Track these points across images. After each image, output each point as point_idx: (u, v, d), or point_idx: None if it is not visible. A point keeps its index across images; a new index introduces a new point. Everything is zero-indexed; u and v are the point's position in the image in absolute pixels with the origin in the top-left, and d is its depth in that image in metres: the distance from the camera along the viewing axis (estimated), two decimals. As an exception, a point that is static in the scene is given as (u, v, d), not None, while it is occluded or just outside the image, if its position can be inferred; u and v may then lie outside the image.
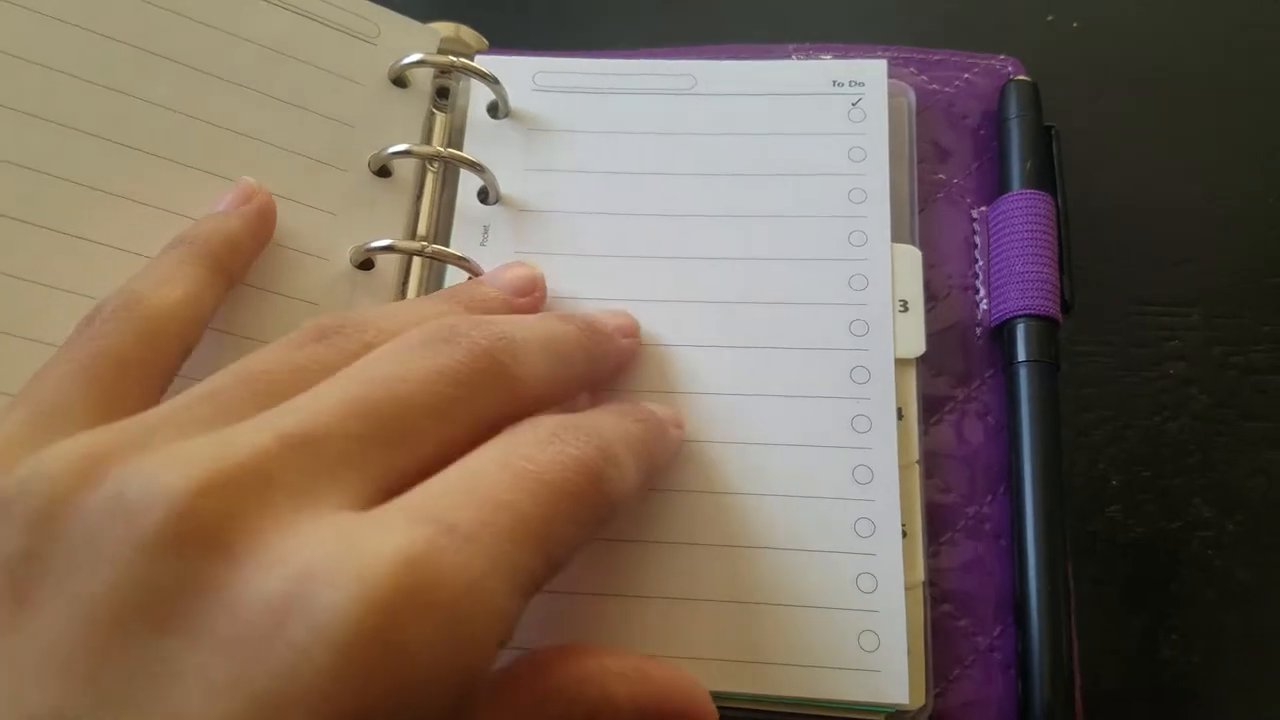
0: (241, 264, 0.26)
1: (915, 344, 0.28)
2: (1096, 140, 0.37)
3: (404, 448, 0.19)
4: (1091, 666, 0.26)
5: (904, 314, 0.28)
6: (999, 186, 0.31)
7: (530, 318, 0.25)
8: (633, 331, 0.27)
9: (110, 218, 0.25)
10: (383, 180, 0.29)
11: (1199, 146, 0.38)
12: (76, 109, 0.26)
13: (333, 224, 0.28)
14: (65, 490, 0.17)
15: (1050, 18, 0.41)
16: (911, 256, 0.29)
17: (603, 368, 0.26)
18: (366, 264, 0.28)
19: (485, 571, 0.17)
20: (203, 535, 0.16)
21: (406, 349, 0.20)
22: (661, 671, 0.21)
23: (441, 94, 0.32)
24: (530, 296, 0.27)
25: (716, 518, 0.26)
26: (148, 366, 0.21)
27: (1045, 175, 0.30)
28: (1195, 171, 0.38)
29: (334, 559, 0.16)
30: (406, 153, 0.29)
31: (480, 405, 0.20)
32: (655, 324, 0.28)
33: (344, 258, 0.28)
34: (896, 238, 0.29)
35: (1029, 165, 0.30)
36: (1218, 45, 0.40)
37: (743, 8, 0.42)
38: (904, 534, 0.26)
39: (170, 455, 0.17)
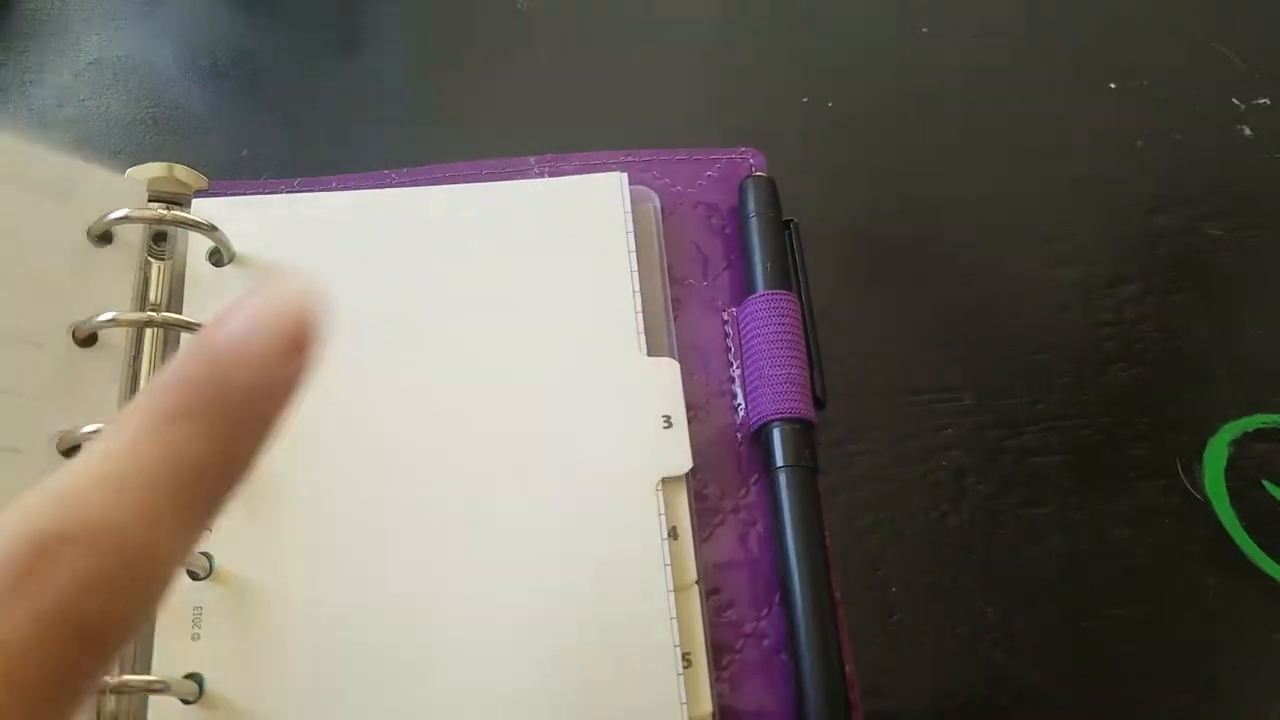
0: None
1: (682, 460, 0.27)
2: (844, 229, 0.39)
3: None
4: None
5: (668, 429, 0.28)
6: (746, 286, 0.31)
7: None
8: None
9: None
10: (89, 350, 0.27)
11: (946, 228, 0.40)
12: None
13: (24, 407, 0.25)
14: None
15: (805, 99, 0.42)
16: (669, 370, 0.29)
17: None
18: (71, 450, 0.26)
19: None
20: None
21: None
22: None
23: (158, 239, 0.30)
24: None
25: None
26: None
27: (784, 274, 0.31)
28: (950, 254, 0.39)
29: None
30: (113, 321, 0.26)
31: None
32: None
33: (43, 446, 0.25)
34: (653, 351, 0.29)
35: (768, 266, 0.31)
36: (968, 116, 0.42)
37: (491, 126, 0.41)
38: (688, 664, 0.25)
39: None
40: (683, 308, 0.31)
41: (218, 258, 0.29)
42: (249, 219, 0.30)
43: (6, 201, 0.27)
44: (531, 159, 0.33)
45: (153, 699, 0.24)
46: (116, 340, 0.27)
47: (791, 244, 0.31)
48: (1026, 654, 0.32)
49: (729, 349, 0.30)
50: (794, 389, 0.29)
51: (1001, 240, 0.39)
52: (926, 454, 0.35)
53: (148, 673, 0.24)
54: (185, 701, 0.24)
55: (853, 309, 0.37)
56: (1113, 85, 0.43)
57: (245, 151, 0.40)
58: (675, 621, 0.25)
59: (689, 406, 0.29)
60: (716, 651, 0.26)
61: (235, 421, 0.15)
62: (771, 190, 0.32)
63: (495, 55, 0.44)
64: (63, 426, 0.25)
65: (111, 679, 0.24)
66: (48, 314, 0.26)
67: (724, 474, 0.29)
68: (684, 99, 0.43)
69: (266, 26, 0.45)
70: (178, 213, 0.28)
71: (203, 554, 0.26)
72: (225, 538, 0.26)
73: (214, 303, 0.28)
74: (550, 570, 0.26)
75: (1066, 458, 0.35)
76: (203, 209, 0.30)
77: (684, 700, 0.25)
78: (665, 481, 0.27)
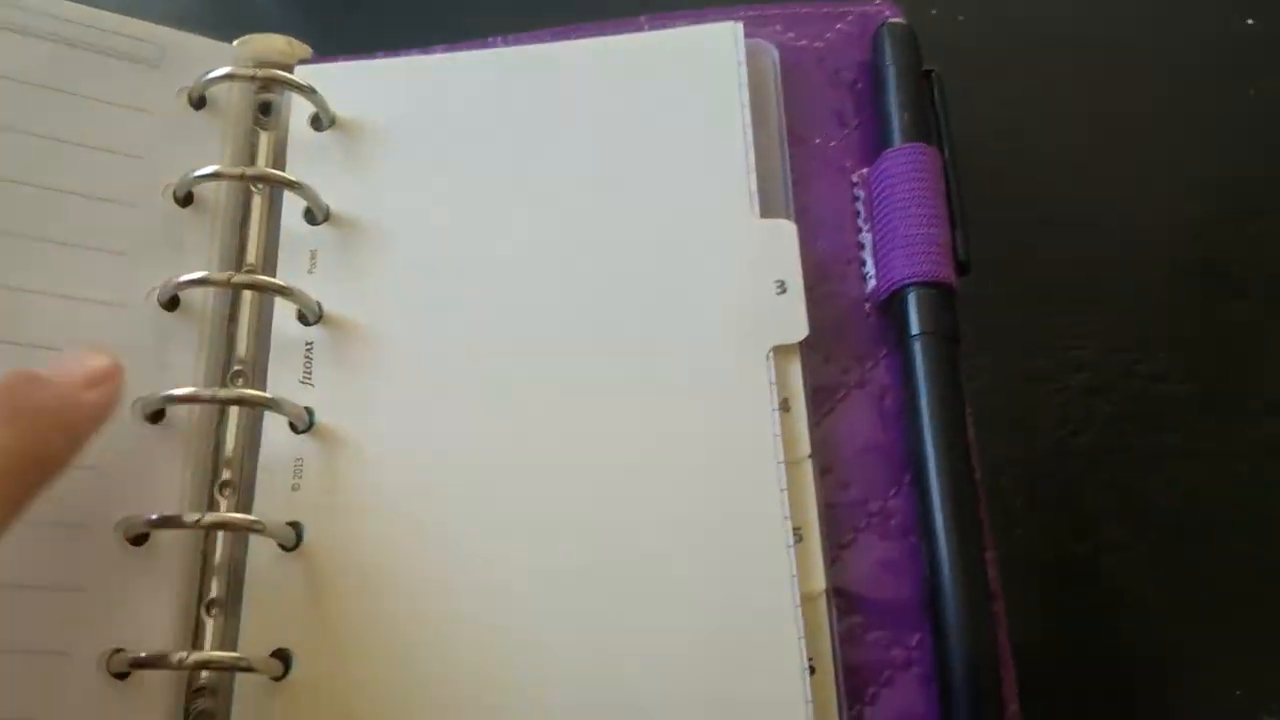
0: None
1: (796, 328, 0.25)
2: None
3: None
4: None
5: (781, 296, 0.25)
6: (879, 144, 0.28)
7: None
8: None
9: None
10: (186, 211, 0.26)
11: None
12: None
13: (124, 265, 0.25)
14: None
15: None
16: (785, 232, 0.26)
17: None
18: (172, 303, 0.25)
19: None
20: None
21: None
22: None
23: (264, 110, 0.29)
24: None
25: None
26: None
27: (925, 127, 0.27)
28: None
29: None
30: (212, 176, 0.26)
31: None
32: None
33: (142, 301, 0.25)
34: (768, 212, 0.26)
35: (906, 116, 0.27)
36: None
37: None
38: (799, 538, 0.23)
39: None
40: (806, 171, 0.28)
41: (318, 122, 0.28)
42: (348, 83, 0.28)
43: (95, 71, 0.26)
44: (641, 18, 0.30)
45: (253, 545, 0.24)
46: (217, 201, 0.27)
47: (933, 95, 0.28)
48: (1143, 578, 0.30)
49: (858, 213, 0.27)
50: (933, 249, 0.25)
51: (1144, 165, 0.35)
52: (1055, 371, 0.32)
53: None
54: (284, 548, 0.24)
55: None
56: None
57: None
58: (786, 494, 0.23)
59: (810, 276, 0.26)
60: (835, 531, 0.23)
61: (44, 427, 0.20)
62: (911, 38, 0.29)
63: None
64: (161, 281, 0.25)
65: (214, 516, 0.23)
66: (146, 175, 0.26)
67: (847, 347, 0.26)
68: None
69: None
70: (272, 71, 0.27)
71: (305, 408, 0.25)
72: (326, 394, 0.25)
73: (314, 165, 0.27)
74: (655, 442, 0.24)
75: (1196, 387, 0.32)
76: (300, 74, 0.29)
77: (794, 574, 0.22)
78: (777, 350, 0.24)
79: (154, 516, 0.23)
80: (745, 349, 0.24)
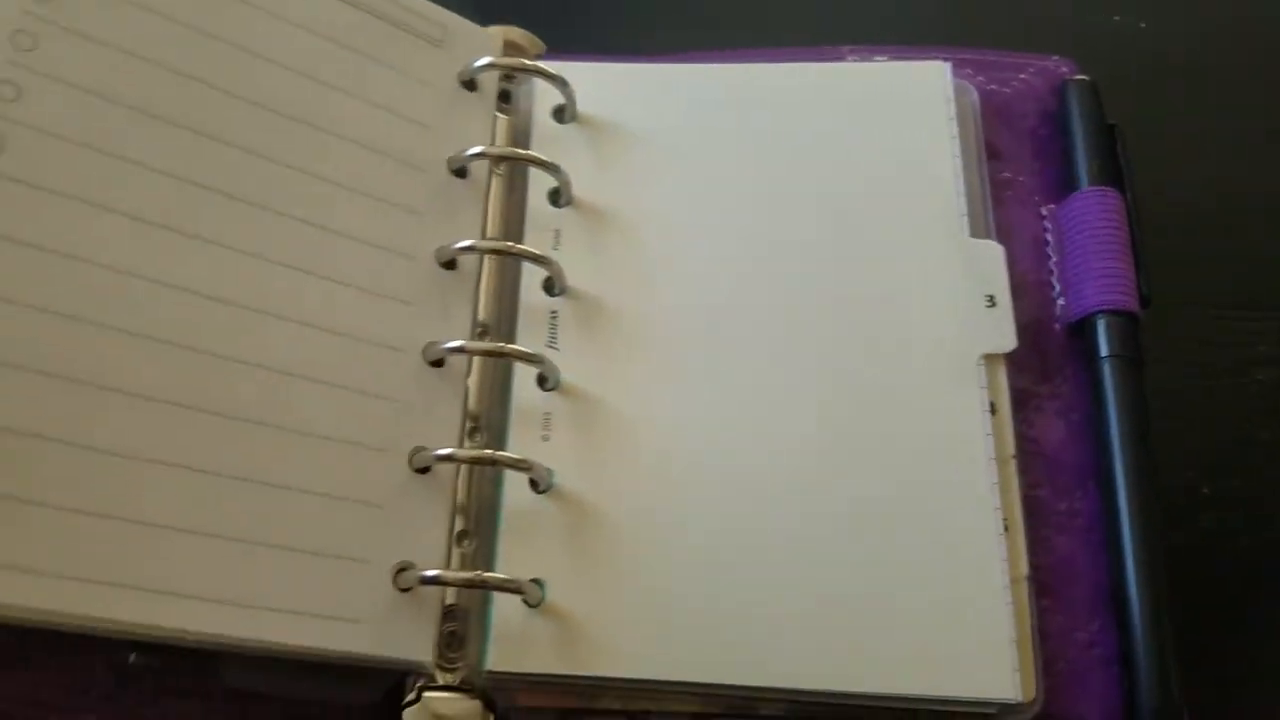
0: None
1: (1006, 339, 0.28)
2: (1155, 140, 0.38)
3: None
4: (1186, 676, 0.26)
5: (991, 309, 0.28)
6: (1065, 185, 0.31)
7: None
8: None
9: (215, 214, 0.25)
10: (460, 181, 0.29)
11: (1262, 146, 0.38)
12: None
13: (418, 223, 0.28)
14: None
15: (1117, 18, 0.41)
16: (993, 252, 0.29)
17: None
18: (450, 264, 0.28)
19: None
20: None
21: None
22: None
23: (503, 97, 0.32)
24: None
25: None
26: None
27: (1111, 173, 0.31)
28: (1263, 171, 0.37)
29: None
30: (482, 155, 0.29)
31: None
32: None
33: (429, 257, 0.28)
34: (974, 234, 0.29)
35: (1095, 164, 0.30)
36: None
37: (784, 13, 0.42)
38: (1005, 527, 0.26)
39: None
40: (998, 202, 0.31)
41: (559, 114, 0.31)
42: (590, 81, 0.31)
43: (396, 44, 0.29)
44: (845, 48, 0.33)
45: (509, 484, 0.26)
46: (480, 176, 0.29)
47: (1115, 147, 0.31)
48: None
49: (1047, 243, 0.30)
50: (1121, 282, 0.28)
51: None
52: (1239, 368, 0.34)
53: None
54: (535, 490, 0.26)
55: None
56: None
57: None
58: (998, 486, 0.26)
59: (1004, 295, 0.29)
60: (1031, 522, 0.27)
61: None
62: (1095, 93, 0.32)
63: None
64: (441, 242, 0.28)
65: (493, 453, 0.26)
66: (429, 146, 0.29)
67: (1039, 363, 0.29)
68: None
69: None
70: (537, 63, 0.30)
71: (552, 364, 0.27)
72: (570, 357, 0.28)
73: (558, 153, 0.30)
74: (874, 432, 0.27)
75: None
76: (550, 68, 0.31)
77: (1005, 559, 0.25)
78: (986, 359, 0.28)
79: (443, 451, 0.25)
80: (959, 355, 0.27)
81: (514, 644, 0.25)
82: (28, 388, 0.22)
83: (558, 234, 0.29)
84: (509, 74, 0.31)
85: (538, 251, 0.28)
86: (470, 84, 0.30)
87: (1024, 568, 0.26)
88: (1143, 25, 0.41)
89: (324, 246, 0.26)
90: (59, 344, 0.22)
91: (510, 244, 0.28)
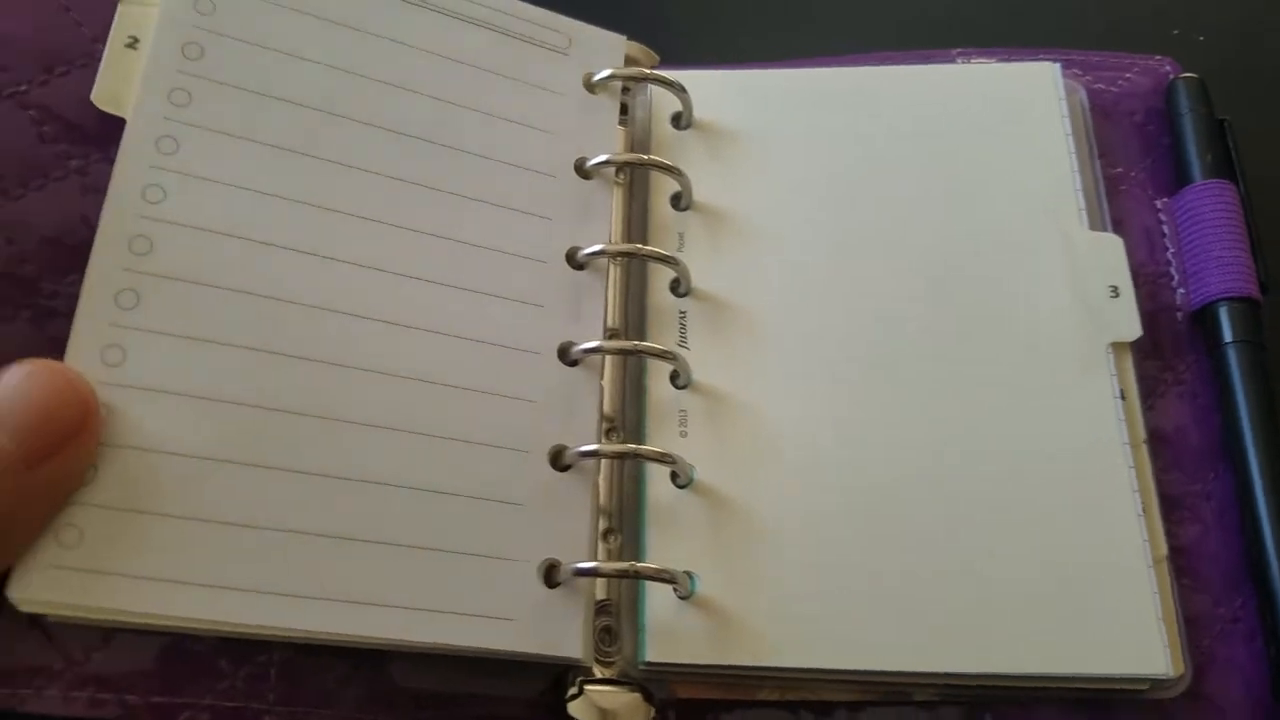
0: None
1: (1131, 328, 0.28)
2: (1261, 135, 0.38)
3: None
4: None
5: (1115, 299, 0.29)
6: (1178, 179, 0.32)
7: None
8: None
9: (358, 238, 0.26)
10: (587, 183, 0.30)
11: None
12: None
13: (548, 228, 0.29)
14: None
15: (1175, 31, 0.42)
16: (1113, 244, 0.29)
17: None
18: (581, 266, 0.29)
19: None
20: None
21: None
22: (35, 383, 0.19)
23: (621, 110, 0.33)
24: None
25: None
26: None
27: (1224, 166, 0.31)
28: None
29: None
30: (609, 162, 0.30)
31: None
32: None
33: (560, 260, 0.29)
34: (1093, 227, 0.30)
35: (1209, 157, 0.31)
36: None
37: (870, 21, 0.43)
38: (1142, 510, 0.26)
39: None
40: (1112, 196, 0.31)
41: (677, 121, 0.32)
42: (705, 88, 0.32)
43: (523, 57, 0.30)
44: (954, 51, 0.34)
45: (652, 479, 0.27)
46: (607, 179, 0.30)
47: (1227, 140, 0.32)
48: None
49: (1164, 234, 0.31)
50: (1241, 270, 0.29)
51: None
52: None
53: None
54: (676, 485, 0.27)
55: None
56: None
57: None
58: (1134, 470, 0.26)
59: (1124, 286, 0.29)
60: (1164, 508, 0.27)
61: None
62: (1203, 89, 0.32)
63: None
64: (571, 245, 0.29)
65: (636, 448, 0.27)
66: (559, 152, 0.30)
67: (1164, 350, 0.29)
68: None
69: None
70: (658, 72, 0.31)
71: (685, 361, 0.28)
72: (700, 356, 0.29)
73: (679, 159, 0.31)
74: (1011, 421, 0.27)
75: None
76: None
77: (1146, 539, 0.26)
78: (1114, 347, 0.28)
79: (587, 448, 0.26)
80: (1087, 345, 0.28)
81: (669, 635, 0.25)
82: (227, 420, 0.24)
83: (681, 236, 0.30)
84: (626, 86, 0.33)
85: (665, 252, 0.29)
86: (594, 89, 0.31)
87: (1163, 548, 0.26)
88: (1201, 39, 0.41)
89: (463, 259, 0.27)
90: (243, 375, 0.24)
91: (638, 246, 0.29)
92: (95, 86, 0.26)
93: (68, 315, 0.23)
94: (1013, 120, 0.31)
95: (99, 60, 0.26)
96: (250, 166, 0.26)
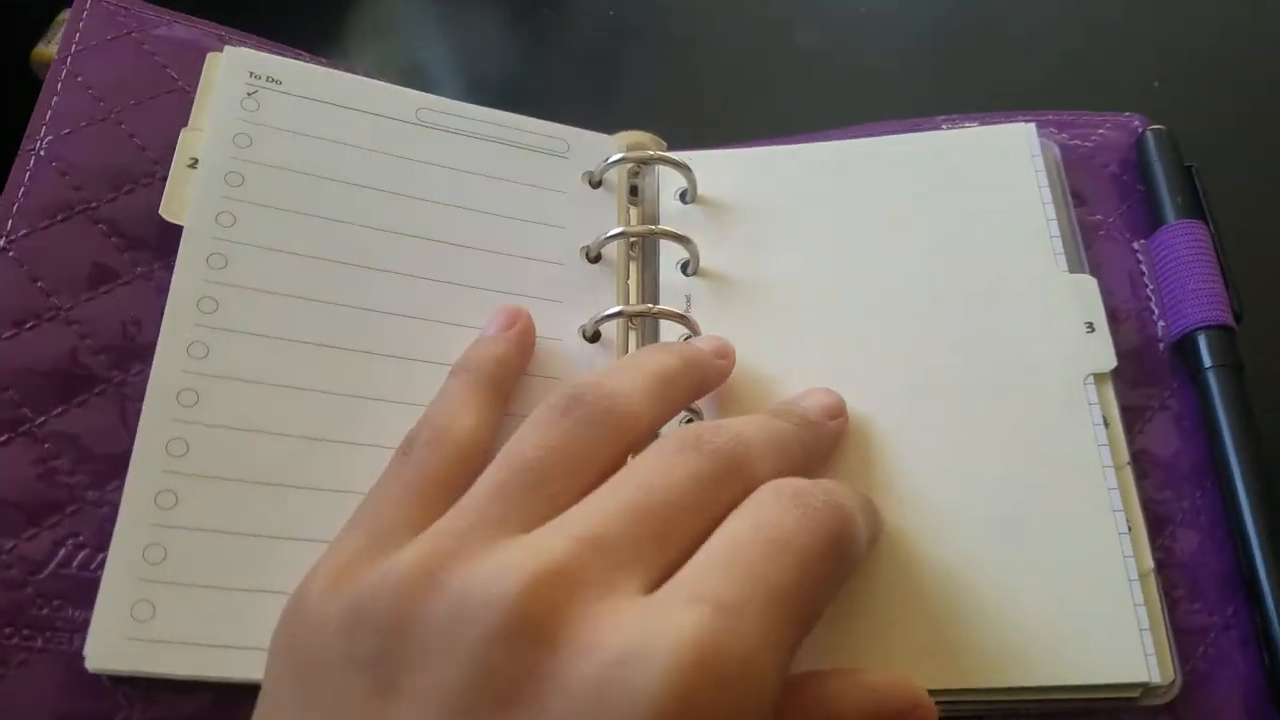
0: (513, 383, 0.30)
1: (1106, 359, 0.30)
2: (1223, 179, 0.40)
3: (672, 540, 0.22)
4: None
5: (1091, 334, 0.31)
6: (1153, 221, 0.34)
7: (754, 418, 0.27)
8: (839, 411, 0.29)
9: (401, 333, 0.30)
10: (595, 266, 0.33)
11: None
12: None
13: (560, 310, 0.32)
14: (410, 598, 0.20)
15: (1157, 84, 0.44)
16: (1088, 284, 0.32)
17: (817, 452, 0.28)
18: (595, 336, 0.32)
19: (758, 646, 0.20)
20: (532, 629, 0.19)
21: (665, 456, 0.24)
22: (880, 678, 0.23)
23: (632, 192, 0.36)
24: (727, 360, 0.30)
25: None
26: (457, 484, 0.24)
27: (1194, 208, 0.33)
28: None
29: (638, 645, 0.19)
30: (622, 234, 0.33)
31: (724, 497, 0.23)
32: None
33: (574, 335, 0.32)
34: (1070, 270, 0.32)
35: (1180, 199, 0.33)
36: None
37: (857, 98, 0.46)
38: (1129, 528, 0.28)
39: (495, 565, 0.20)
40: (1092, 240, 0.34)
41: (684, 197, 0.35)
42: (708, 166, 0.36)
43: (526, 166, 0.34)
44: (939, 118, 0.37)
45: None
46: (614, 258, 0.34)
47: (1195, 184, 0.34)
48: None
49: (1142, 273, 0.33)
50: (1216, 300, 0.31)
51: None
52: None
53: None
54: None
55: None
56: None
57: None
58: (1116, 491, 0.28)
59: (1109, 321, 0.31)
60: (1157, 524, 0.29)
61: (817, 457, 0.29)
62: (1172, 139, 0.35)
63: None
64: (585, 321, 0.32)
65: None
66: (566, 242, 0.34)
67: (1148, 378, 0.31)
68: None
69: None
70: (661, 153, 0.35)
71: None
72: (711, 414, 0.31)
73: (683, 229, 0.34)
74: (997, 457, 0.29)
75: None
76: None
77: (1128, 555, 0.27)
78: (1094, 378, 0.30)
79: None
80: (1067, 377, 0.30)
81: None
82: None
83: (688, 299, 0.33)
84: (635, 169, 0.36)
85: (678, 310, 0.32)
86: (598, 182, 0.35)
87: (1149, 562, 0.27)
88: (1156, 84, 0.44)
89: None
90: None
91: (649, 305, 0.32)
92: (163, 201, 0.30)
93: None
94: (992, 176, 0.34)
95: (160, 179, 0.30)
96: (291, 276, 0.30)
